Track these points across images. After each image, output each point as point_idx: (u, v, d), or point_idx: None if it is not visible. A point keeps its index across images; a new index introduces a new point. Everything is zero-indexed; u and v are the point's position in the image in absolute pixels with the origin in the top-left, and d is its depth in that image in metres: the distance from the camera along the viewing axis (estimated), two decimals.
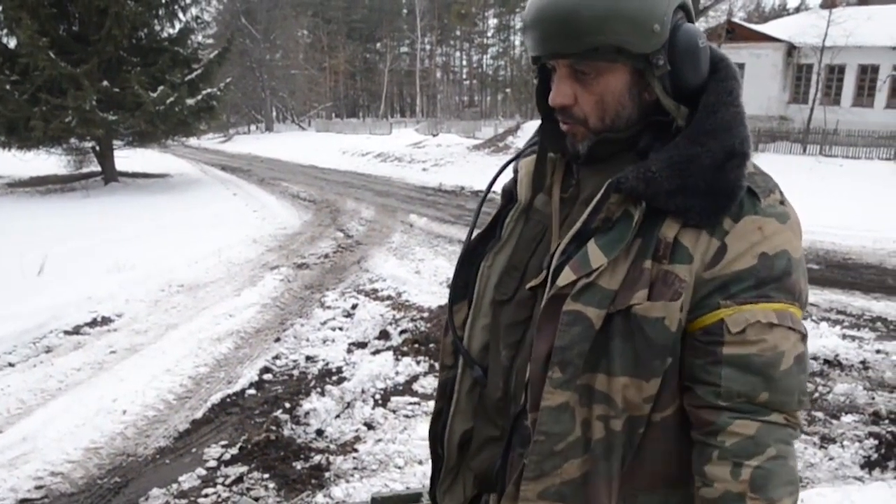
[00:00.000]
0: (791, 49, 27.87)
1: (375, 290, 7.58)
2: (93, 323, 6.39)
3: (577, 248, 1.07)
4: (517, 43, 69.51)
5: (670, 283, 1.02)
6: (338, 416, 4.50)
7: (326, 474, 3.79)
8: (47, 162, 20.62)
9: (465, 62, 78.96)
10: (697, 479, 1.05)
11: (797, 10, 61.22)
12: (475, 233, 1.34)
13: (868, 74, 26.92)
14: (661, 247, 1.04)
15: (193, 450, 4.10)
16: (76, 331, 6.16)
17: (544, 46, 1.07)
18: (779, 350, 1.01)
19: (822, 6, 28.18)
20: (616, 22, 1.00)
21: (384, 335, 5.97)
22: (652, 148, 1.09)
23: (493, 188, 1.35)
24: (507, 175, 1.37)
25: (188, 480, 3.74)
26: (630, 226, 1.04)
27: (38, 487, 3.66)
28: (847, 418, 4.40)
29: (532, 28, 1.07)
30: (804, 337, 1.05)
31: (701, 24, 24.23)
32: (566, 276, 1.05)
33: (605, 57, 1.04)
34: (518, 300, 1.21)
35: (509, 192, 1.34)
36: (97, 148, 19.35)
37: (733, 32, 27.48)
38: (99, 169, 19.84)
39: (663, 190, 1.03)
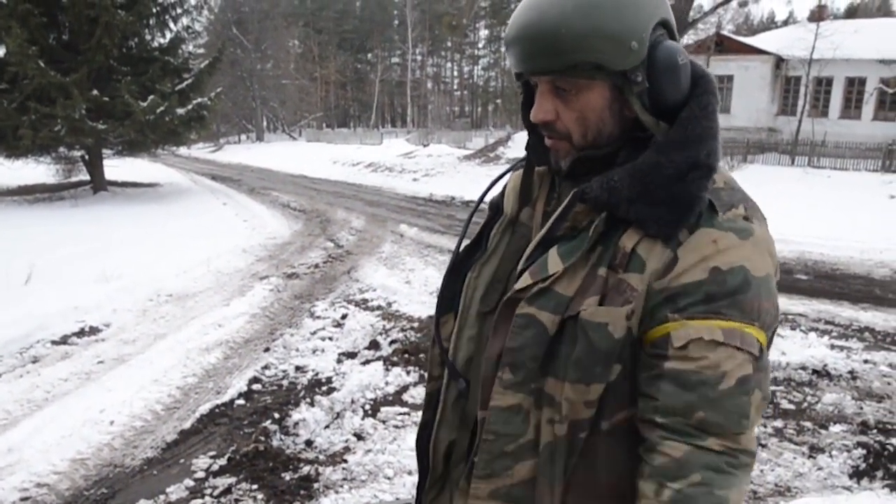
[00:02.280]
0: (779, 61, 28.11)
1: (365, 300, 7.56)
2: (80, 333, 6.34)
3: (540, 255, 1.10)
4: None
5: (622, 291, 1.03)
6: (327, 427, 4.48)
7: (315, 485, 3.77)
8: (36, 171, 20.53)
9: (456, 73, 79.32)
10: (636, 491, 1.05)
11: (785, 22, 61.85)
12: (463, 244, 1.35)
13: (855, 87, 27.18)
14: (618, 256, 1.05)
15: (181, 461, 4.07)
16: (63, 340, 6.12)
17: (525, 63, 1.09)
18: (720, 370, 0.98)
19: (810, 19, 28.48)
20: (594, 39, 1.02)
21: (374, 345, 5.96)
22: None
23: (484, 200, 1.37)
24: (497, 187, 1.39)
25: (176, 492, 3.71)
26: (589, 234, 1.06)
27: (24, 499, 3.62)
28: (835, 428, 4.42)
29: (513, 45, 1.09)
30: (756, 359, 1.01)
31: (690, 37, 24.46)
32: (524, 281, 1.08)
33: (583, 74, 1.05)
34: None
35: (496, 205, 1.35)
36: (86, 157, 19.26)
37: (722, 45, 27.73)
38: (88, 178, 19.75)
39: (623, 197, 1.04)
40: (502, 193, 1.34)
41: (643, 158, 1.06)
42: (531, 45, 1.05)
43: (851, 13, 60.03)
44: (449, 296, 1.31)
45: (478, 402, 1.22)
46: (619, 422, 1.07)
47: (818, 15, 26.90)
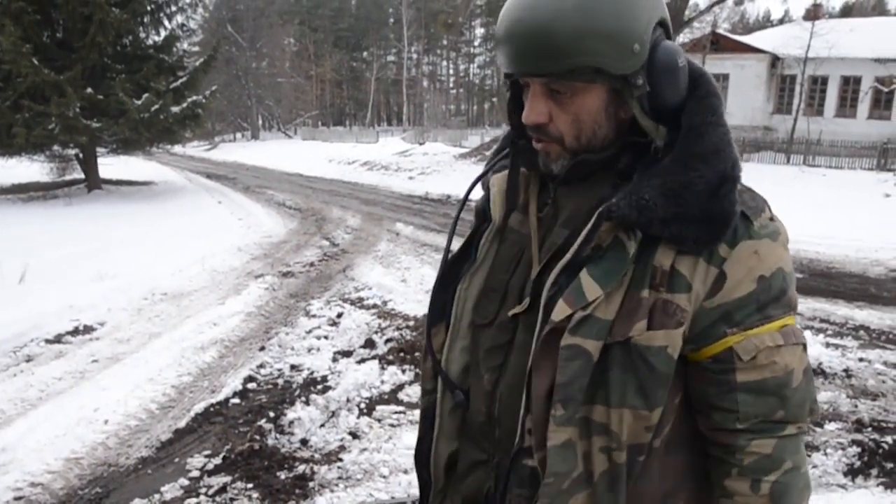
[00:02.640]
0: (775, 60, 28.18)
1: (361, 299, 7.55)
2: (74, 332, 6.32)
3: (567, 279, 1.03)
4: None
5: (671, 313, 1.01)
6: (322, 426, 4.47)
7: (311, 484, 3.76)
8: (30, 169, 20.46)
9: (451, 71, 79.27)
10: (717, 490, 1.09)
11: (781, 21, 61.98)
12: (451, 254, 1.30)
13: (850, 85, 27.28)
14: (657, 275, 1.01)
15: (176, 460, 4.06)
16: (57, 339, 6.10)
17: (518, 64, 1.03)
18: (789, 369, 1.04)
19: (806, 18, 28.49)
20: (594, 41, 0.96)
21: (369, 344, 5.95)
22: (633, 169, 1.07)
23: (469, 200, 1.33)
24: (479, 191, 1.34)
25: (170, 491, 3.70)
26: (624, 255, 1.01)
27: (18, 499, 3.61)
28: (830, 426, 4.42)
29: (505, 43, 1.03)
30: (805, 346, 1.08)
31: (686, 36, 24.49)
32: (562, 310, 1.01)
33: (582, 77, 1.00)
34: (499, 324, 1.18)
35: (482, 212, 1.31)
36: (80, 155, 19.21)
37: (718, 44, 27.78)
38: (82, 176, 19.70)
39: (657, 217, 0.99)
40: (487, 198, 1.28)
41: (669, 174, 1.02)
42: (525, 45, 1.00)
43: (847, 12, 60.11)
44: (439, 306, 1.28)
45: (482, 412, 1.20)
46: (666, 435, 1.08)
47: (813, 14, 26.93)
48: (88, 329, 6.42)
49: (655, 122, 1.05)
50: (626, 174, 1.07)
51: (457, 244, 1.32)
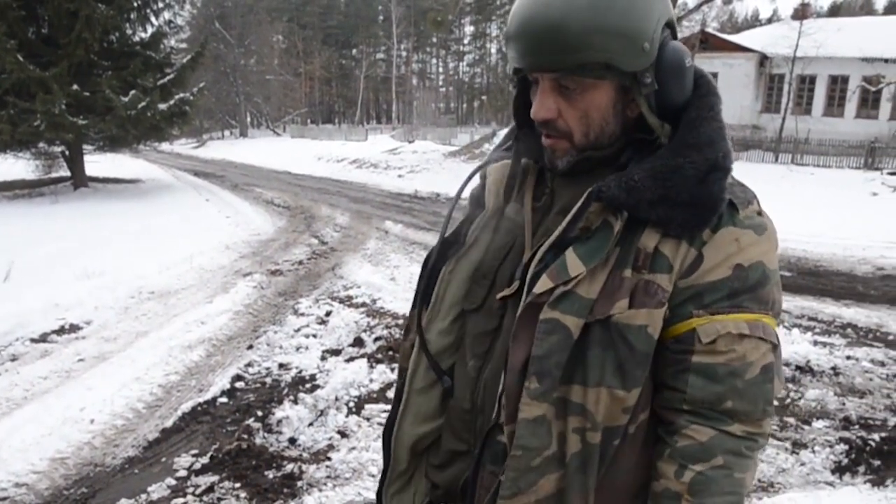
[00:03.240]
0: (763, 59, 28.31)
1: (350, 297, 7.53)
2: (60, 330, 6.27)
3: (554, 257, 1.05)
4: (493, 50, 69.92)
5: (653, 293, 1.02)
6: (311, 424, 4.45)
7: (299, 483, 3.74)
8: (15, 166, 20.26)
9: (441, 69, 79.26)
10: (652, 471, 1.08)
11: (769, 20, 62.27)
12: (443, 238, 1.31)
13: (838, 85, 27.45)
14: (640, 256, 1.03)
15: (163, 459, 4.03)
16: (43, 338, 6.04)
17: (529, 60, 1.04)
18: (746, 360, 1.02)
19: (794, 17, 28.62)
20: (605, 38, 0.98)
21: (358, 342, 5.93)
22: (633, 162, 1.09)
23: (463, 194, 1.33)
24: (475, 181, 1.35)
25: (157, 490, 3.67)
26: (610, 235, 1.03)
27: (2, 499, 3.57)
28: (818, 424, 4.44)
29: (516, 39, 1.04)
30: (775, 347, 1.06)
31: None
32: (543, 284, 1.03)
33: (592, 74, 1.02)
34: (487, 309, 1.19)
35: (477, 199, 1.32)
36: (67, 152, 19.05)
37: (707, 42, 27.87)
38: (68, 174, 19.53)
39: (645, 199, 1.01)
40: (483, 186, 1.30)
41: (661, 160, 1.04)
42: (536, 41, 1.01)
43: (835, 11, 60.53)
44: (429, 289, 1.28)
45: (467, 399, 1.20)
46: (641, 423, 1.08)
47: (802, 13, 27.06)
48: (74, 328, 6.37)
49: (661, 121, 1.07)
50: (626, 168, 1.09)
51: None
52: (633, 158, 1.09)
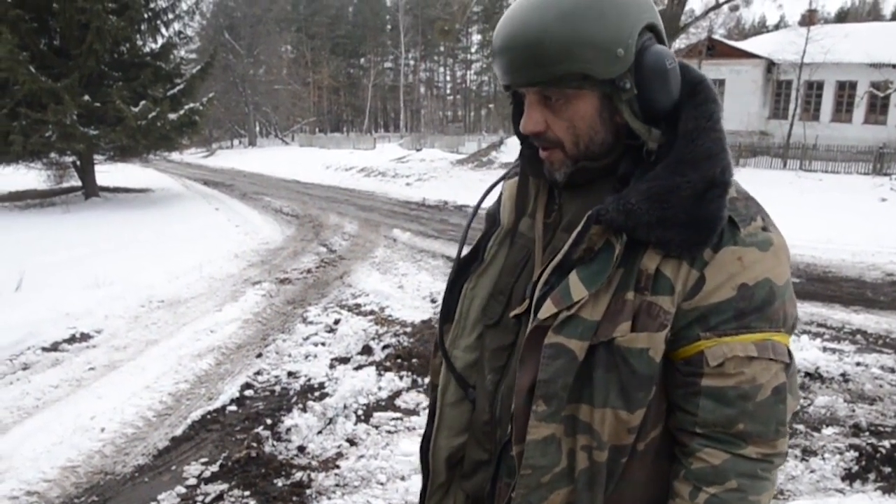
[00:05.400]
0: (770, 65, 28.26)
1: (358, 305, 7.54)
2: (71, 339, 6.31)
3: (558, 279, 1.06)
4: None
5: (654, 315, 1.02)
6: (320, 433, 4.46)
7: (308, 491, 3.75)
8: (27, 176, 20.43)
9: (448, 77, 79.39)
10: (669, 489, 1.09)
11: (776, 27, 62.16)
12: (463, 254, 1.35)
13: (846, 90, 27.36)
14: (642, 278, 1.04)
15: (173, 467, 4.04)
16: (54, 347, 6.08)
17: (512, 76, 1.07)
18: (757, 383, 1.02)
19: (801, 23, 28.65)
20: (578, 48, 1.00)
21: (367, 350, 5.94)
22: (632, 174, 1.09)
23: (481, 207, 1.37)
24: (493, 196, 1.38)
25: (167, 499, 3.68)
26: (611, 258, 1.03)
27: None
28: (828, 431, 4.42)
29: (499, 57, 1.07)
30: (787, 366, 1.05)
31: (682, 41, 24.54)
32: (547, 309, 1.05)
33: (571, 84, 1.04)
34: (503, 325, 1.21)
35: (493, 216, 1.35)
36: (78, 163, 19.17)
37: (714, 49, 27.89)
38: (79, 184, 19.64)
39: (643, 222, 1.01)
40: (499, 202, 1.33)
41: (658, 179, 1.03)
42: (516, 57, 1.04)
43: (842, 17, 60.41)
44: (452, 306, 1.32)
45: (486, 411, 1.24)
46: (652, 440, 1.09)
47: (809, 19, 27.06)
48: (85, 336, 6.41)
49: (647, 126, 1.07)
50: (626, 179, 1.09)
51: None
52: (632, 170, 1.09)
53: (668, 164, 1.05)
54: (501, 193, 1.32)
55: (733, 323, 1.02)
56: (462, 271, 1.31)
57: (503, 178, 1.34)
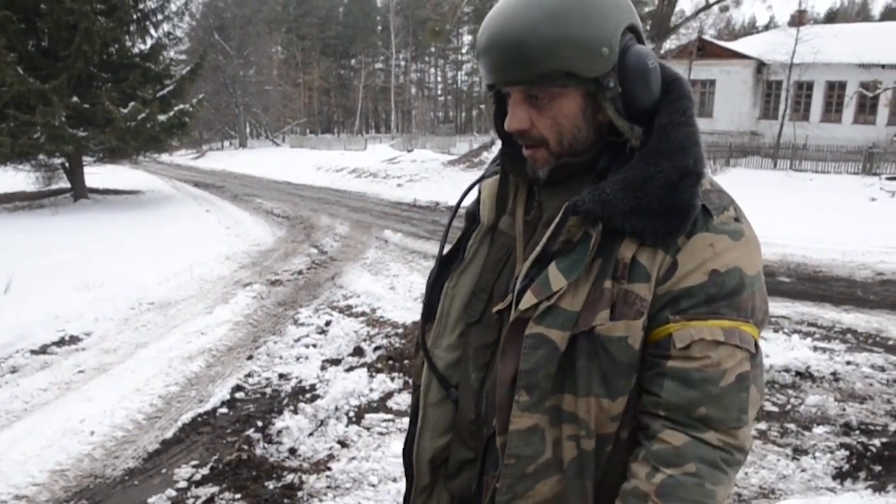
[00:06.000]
0: (761, 66, 28.39)
1: (349, 307, 7.53)
2: (60, 342, 6.27)
3: (538, 272, 1.08)
4: None
5: (631, 303, 1.04)
6: (311, 435, 4.44)
7: (299, 494, 3.74)
8: (15, 178, 20.30)
9: (439, 78, 79.41)
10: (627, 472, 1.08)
11: (766, 27, 62.45)
12: (444, 253, 1.35)
13: (836, 91, 27.52)
14: (619, 267, 1.05)
15: (163, 470, 4.02)
16: (43, 350, 6.04)
17: (496, 75, 1.09)
18: (721, 367, 1.02)
19: (791, 24, 28.76)
20: (563, 47, 1.02)
21: (358, 352, 5.92)
22: (610, 169, 1.11)
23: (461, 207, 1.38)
24: (473, 195, 1.39)
25: (157, 502, 3.66)
26: (588, 247, 1.05)
27: None
28: (819, 430, 4.44)
29: (484, 56, 1.09)
30: (753, 356, 1.06)
31: (672, 42, 24.62)
32: (528, 300, 1.07)
33: (555, 82, 1.05)
34: (486, 322, 1.22)
35: (473, 214, 1.36)
36: (66, 164, 19.08)
37: (704, 50, 27.98)
38: (68, 185, 19.56)
39: (618, 211, 1.04)
40: (478, 201, 1.34)
41: (632, 170, 1.06)
42: (502, 55, 1.05)
43: (831, 18, 60.77)
44: (434, 305, 1.32)
45: (471, 409, 1.24)
46: (635, 427, 1.09)
47: (798, 20, 27.15)
48: (74, 339, 6.37)
49: (630, 124, 1.10)
50: (605, 175, 1.12)
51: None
52: (611, 165, 1.12)
53: (643, 156, 1.07)
54: (480, 192, 1.33)
55: (703, 308, 1.03)
56: (443, 270, 1.32)
57: (482, 177, 1.34)
